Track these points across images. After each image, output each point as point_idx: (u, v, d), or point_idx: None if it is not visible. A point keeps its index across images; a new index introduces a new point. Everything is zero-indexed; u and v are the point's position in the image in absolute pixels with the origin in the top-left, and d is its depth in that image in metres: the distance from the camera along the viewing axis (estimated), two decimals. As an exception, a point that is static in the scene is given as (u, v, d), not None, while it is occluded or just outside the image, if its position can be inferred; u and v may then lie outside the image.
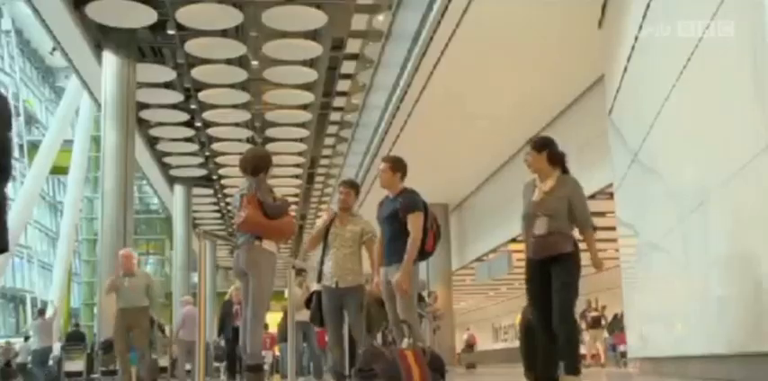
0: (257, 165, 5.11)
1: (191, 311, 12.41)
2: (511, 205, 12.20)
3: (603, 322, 15.79)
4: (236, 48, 13.40)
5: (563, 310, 4.25)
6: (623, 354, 13.59)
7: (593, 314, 15.50)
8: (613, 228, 9.14)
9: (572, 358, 4.30)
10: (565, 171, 4.50)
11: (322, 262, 5.57)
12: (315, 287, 5.84)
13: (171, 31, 12.78)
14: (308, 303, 5.83)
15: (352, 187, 5.75)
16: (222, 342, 12.62)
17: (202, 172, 21.53)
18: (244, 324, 5.18)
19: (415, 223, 4.99)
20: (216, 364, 15.53)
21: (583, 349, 16.10)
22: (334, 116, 17.86)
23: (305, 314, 11.08)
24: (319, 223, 5.72)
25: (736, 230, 4.42)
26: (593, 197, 11.71)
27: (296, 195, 24.41)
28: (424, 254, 5.07)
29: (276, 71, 14.47)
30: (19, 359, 16.54)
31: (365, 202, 10.72)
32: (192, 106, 16.30)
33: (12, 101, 29.47)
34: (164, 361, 14.06)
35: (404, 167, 5.32)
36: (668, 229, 5.90)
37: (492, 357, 27.94)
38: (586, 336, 15.59)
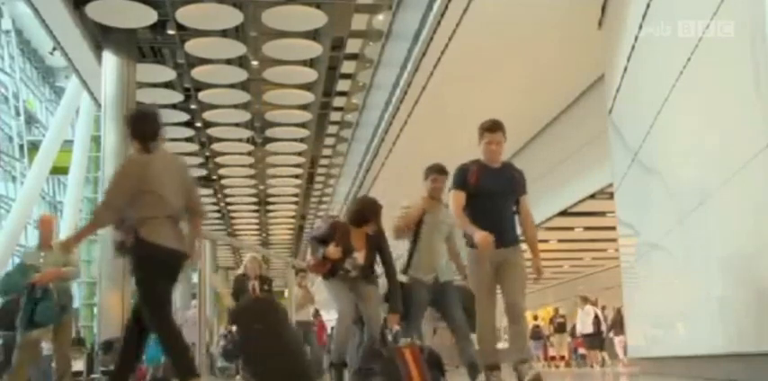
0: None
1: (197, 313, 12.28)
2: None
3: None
4: (236, 48, 13.40)
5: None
6: (583, 356, 14.56)
7: (559, 320, 16.41)
8: (613, 228, 9.15)
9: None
10: (146, 150, 3.99)
11: (412, 254, 5.23)
12: (400, 279, 5.28)
13: (171, 31, 12.78)
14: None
15: (446, 174, 5.27)
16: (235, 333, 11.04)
17: (202, 172, 21.53)
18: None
19: (528, 204, 4.68)
20: (222, 363, 14.98)
21: (552, 352, 17.06)
22: (335, 116, 17.85)
23: (305, 314, 11.02)
24: (412, 211, 5.29)
25: (737, 230, 4.41)
26: (593, 197, 11.74)
27: (296, 195, 24.42)
28: None
29: (276, 71, 14.47)
30: None
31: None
32: (192, 106, 16.31)
33: (12, 102, 29.23)
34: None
35: None
36: (668, 229, 5.90)
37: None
38: (553, 340, 16.70)
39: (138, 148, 4.03)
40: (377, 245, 5.22)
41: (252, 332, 4.06)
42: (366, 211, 5.25)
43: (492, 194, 4.55)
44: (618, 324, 13.25)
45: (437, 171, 5.33)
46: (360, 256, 5.18)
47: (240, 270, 9.17)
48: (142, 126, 4.11)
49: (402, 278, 5.24)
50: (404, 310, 5.09)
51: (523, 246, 4.70)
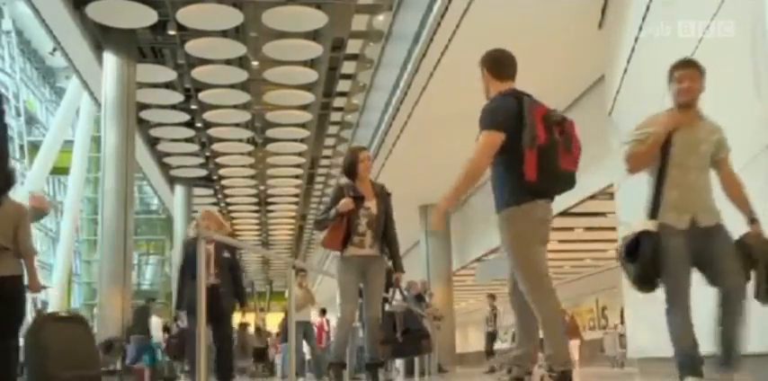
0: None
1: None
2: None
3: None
4: (236, 49, 13.41)
5: None
6: None
7: None
8: (614, 229, 9.15)
9: None
10: None
11: (658, 191, 3.60)
12: (645, 226, 3.66)
13: (171, 32, 12.79)
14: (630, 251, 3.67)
15: (698, 69, 3.62)
16: (183, 320, 6.93)
17: (203, 172, 21.54)
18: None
19: (477, 143, 3.60)
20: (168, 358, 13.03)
21: None
22: (335, 116, 17.86)
23: (305, 315, 10.99)
24: (659, 128, 3.63)
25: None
26: (593, 197, 11.73)
27: (296, 195, 24.42)
28: (527, 186, 3.55)
29: (276, 71, 14.48)
30: None
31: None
32: (193, 106, 16.31)
33: (12, 102, 29.16)
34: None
35: (496, 61, 4.00)
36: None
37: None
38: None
39: None
40: (382, 195, 5.07)
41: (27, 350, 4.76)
42: (348, 157, 5.18)
43: None
44: (571, 329, 14.11)
45: (682, 65, 3.65)
46: (372, 204, 4.98)
47: (191, 233, 6.28)
48: None
49: (648, 225, 3.64)
50: (656, 269, 3.59)
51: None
